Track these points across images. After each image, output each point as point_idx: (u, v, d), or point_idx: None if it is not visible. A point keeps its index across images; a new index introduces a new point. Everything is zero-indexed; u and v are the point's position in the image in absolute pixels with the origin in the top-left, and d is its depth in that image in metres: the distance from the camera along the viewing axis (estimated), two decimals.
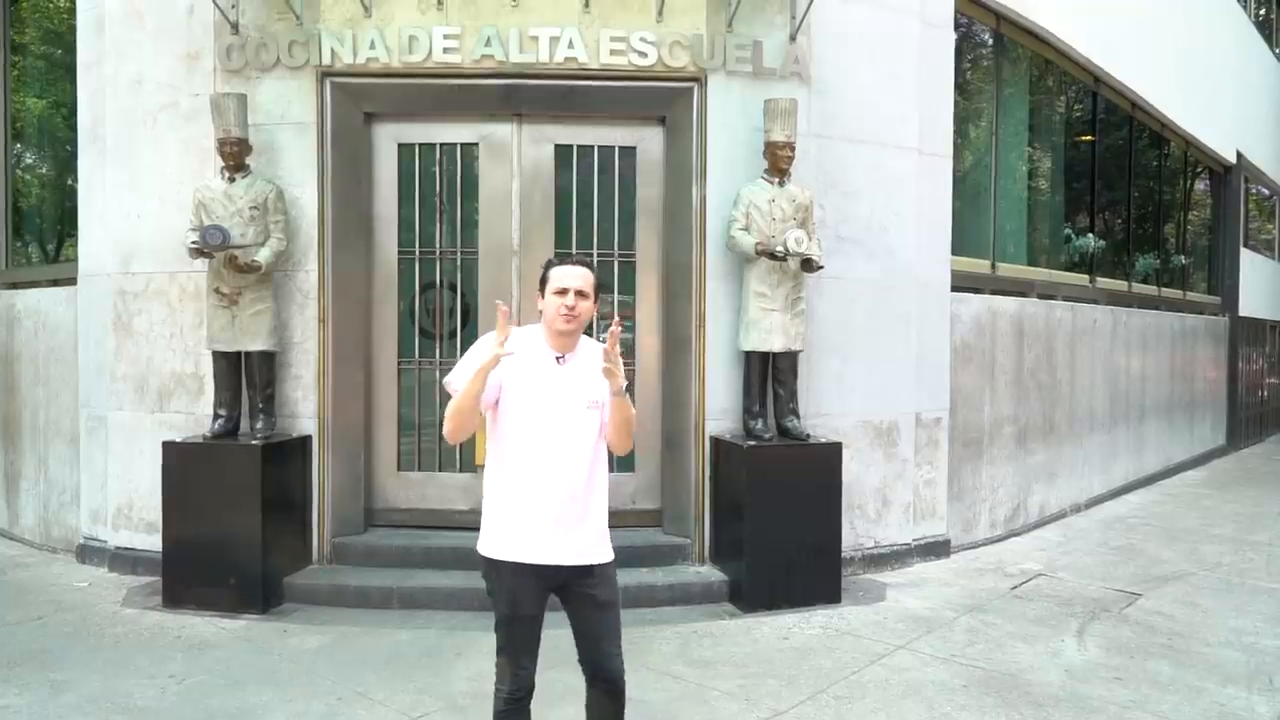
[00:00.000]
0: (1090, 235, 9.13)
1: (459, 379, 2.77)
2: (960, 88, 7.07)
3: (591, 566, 2.83)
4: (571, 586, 2.82)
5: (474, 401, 2.70)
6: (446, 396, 2.83)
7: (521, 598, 2.78)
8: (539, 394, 2.78)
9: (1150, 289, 10.65)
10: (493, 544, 2.81)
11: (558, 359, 2.83)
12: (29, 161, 7.96)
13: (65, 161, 6.33)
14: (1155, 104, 9.87)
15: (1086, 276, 9.02)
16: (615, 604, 2.91)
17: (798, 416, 5.54)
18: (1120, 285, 9.77)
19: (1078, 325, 8.35)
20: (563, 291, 2.77)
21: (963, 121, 7.20)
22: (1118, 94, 9.35)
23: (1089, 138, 9.26)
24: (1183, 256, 12.08)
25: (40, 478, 6.69)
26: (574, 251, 5.89)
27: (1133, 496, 9.10)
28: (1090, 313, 8.67)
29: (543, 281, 2.86)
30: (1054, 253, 8.90)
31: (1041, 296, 7.92)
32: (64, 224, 7.25)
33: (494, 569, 2.80)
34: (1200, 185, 13.03)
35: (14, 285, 7.24)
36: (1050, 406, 7.86)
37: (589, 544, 2.83)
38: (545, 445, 2.77)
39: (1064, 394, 8.09)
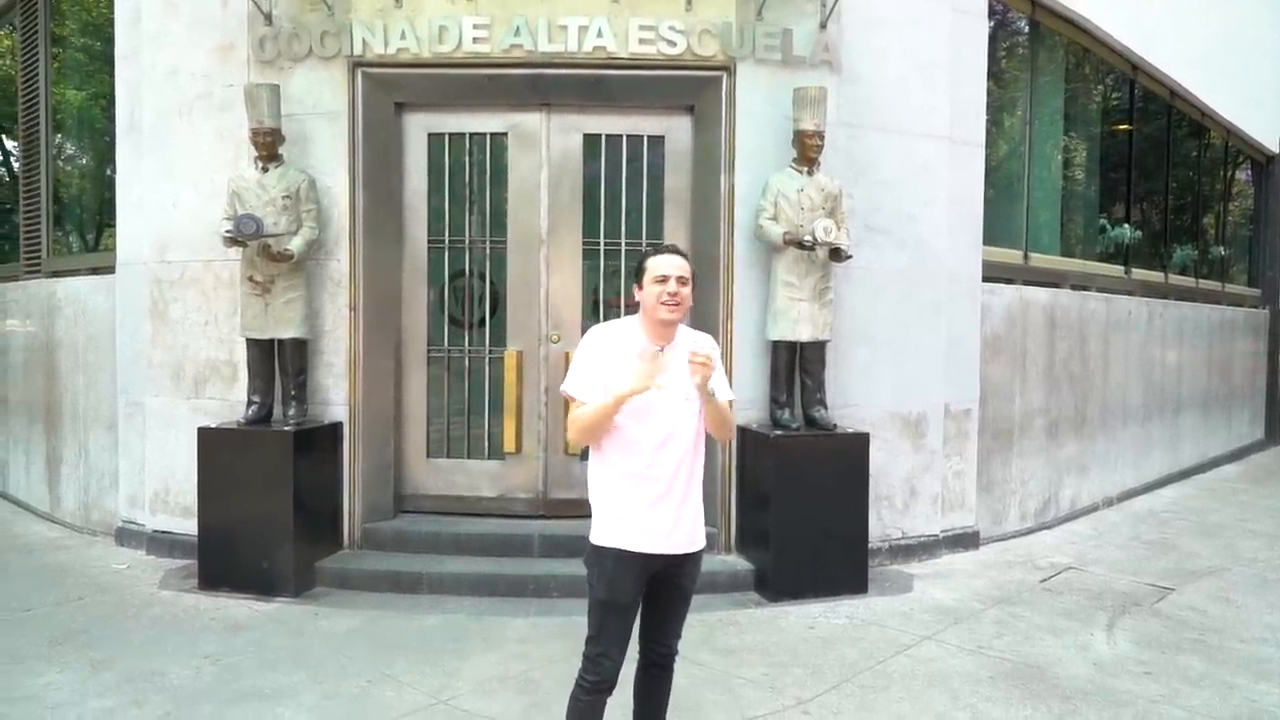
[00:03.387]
0: (1126, 226, 8.99)
1: (581, 388, 2.81)
2: (994, 76, 6.98)
3: (689, 554, 2.89)
4: (664, 573, 2.86)
5: (609, 422, 2.77)
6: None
7: (621, 585, 2.82)
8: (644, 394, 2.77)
9: (1188, 280, 10.46)
10: (605, 533, 2.85)
11: (656, 351, 2.79)
12: (70, 153, 8.12)
13: (105, 152, 6.45)
14: (1194, 92, 9.67)
15: (1121, 267, 8.89)
16: (690, 596, 2.99)
17: (825, 407, 5.52)
18: (1156, 276, 9.61)
19: (1112, 317, 8.23)
20: (663, 279, 2.79)
21: (996, 110, 7.11)
22: (1156, 82, 9.17)
23: (1126, 126, 9.09)
24: (1222, 248, 11.85)
25: (80, 462, 6.84)
26: (602, 240, 5.91)
27: (1167, 491, 8.96)
28: (1125, 304, 8.54)
29: (639, 272, 2.88)
30: (1089, 243, 8.77)
31: (1075, 287, 7.81)
32: (104, 214, 7.39)
33: (598, 555, 2.85)
34: (1241, 175, 12.76)
35: (55, 274, 7.39)
36: (1082, 399, 7.76)
37: (690, 532, 2.89)
38: (648, 439, 2.80)
39: (1097, 386, 7.98)
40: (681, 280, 2.80)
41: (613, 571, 2.82)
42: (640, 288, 2.86)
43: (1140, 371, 8.80)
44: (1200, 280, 10.81)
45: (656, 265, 2.83)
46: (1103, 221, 8.94)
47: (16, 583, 5.46)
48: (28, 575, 5.62)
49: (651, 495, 2.80)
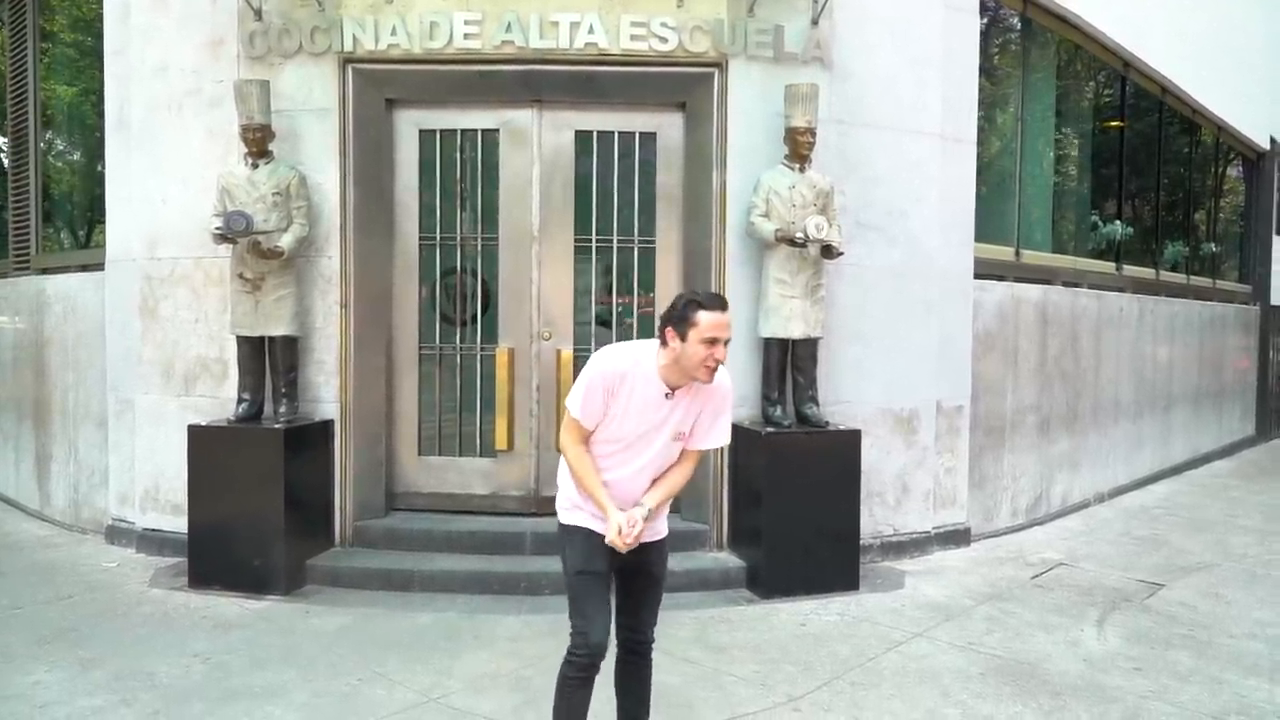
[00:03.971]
0: (1117, 222, 9.02)
1: (583, 414, 2.82)
2: (986, 72, 6.98)
3: (649, 544, 2.96)
4: (630, 559, 2.93)
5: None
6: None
7: (593, 552, 2.90)
8: (640, 425, 2.83)
9: (1178, 277, 10.49)
10: (571, 514, 2.97)
11: (667, 395, 2.81)
12: (60, 149, 8.07)
13: (95, 148, 6.42)
14: (1186, 89, 9.69)
15: (1113, 264, 8.91)
16: (663, 580, 3.10)
17: (817, 404, 5.52)
18: (1148, 273, 9.64)
19: (1103, 313, 8.25)
20: (713, 342, 2.68)
21: (988, 107, 7.12)
22: (1147, 78, 9.19)
23: (1117, 123, 9.11)
24: (1212, 244, 11.89)
25: (70, 460, 6.81)
26: (594, 238, 5.90)
27: (1158, 487, 9.00)
28: (1116, 301, 8.57)
29: (684, 320, 2.70)
30: (1080, 240, 8.79)
31: (1066, 284, 7.82)
32: (95, 210, 7.34)
33: (566, 531, 2.96)
34: (1232, 172, 12.80)
35: (44, 271, 7.36)
36: (1074, 395, 7.78)
37: (655, 528, 2.98)
38: (630, 464, 2.89)
39: (1088, 383, 8.00)
40: (727, 342, 2.72)
41: (583, 543, 2.92)
42: (679, 337, 2.70)
43: (1132, 368, 8.83)
44: (1191, 277, 10.84)
45: (710, 323, 2.67)
46: (1094, 218, 8.97)
47: (5, 581, 5.43)
48: (17, 573, 5.60)
49: (620, 497, 2.90)
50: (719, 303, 2.75)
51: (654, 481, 2.95)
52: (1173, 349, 9.83)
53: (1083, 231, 8.86)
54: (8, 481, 7.76)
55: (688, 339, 2.69)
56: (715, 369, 2.73)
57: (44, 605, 5.00)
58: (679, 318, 2.72)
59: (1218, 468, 10.48)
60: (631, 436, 2.85)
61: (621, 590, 3.03)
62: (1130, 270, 9.15)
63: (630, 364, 2.79)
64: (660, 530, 3.03)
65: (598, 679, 2.92)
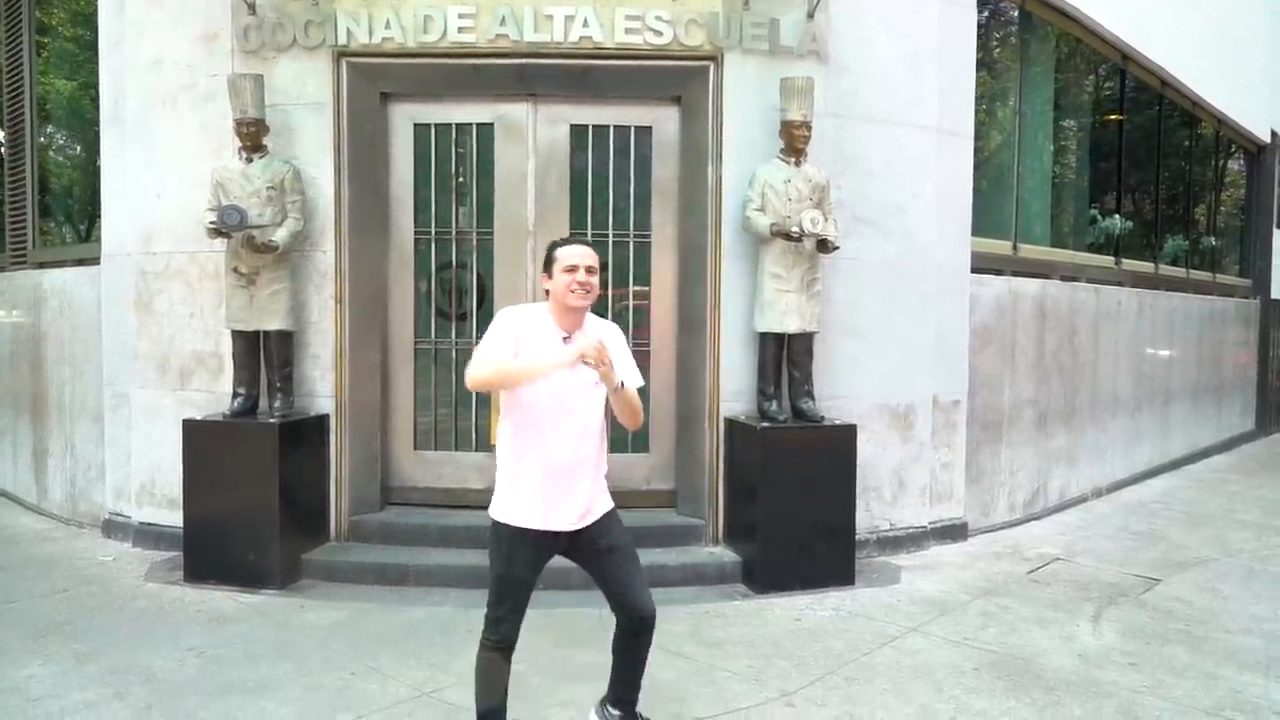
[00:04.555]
0: (1116, 216, 8.99)
1: (491, 349, 2.89)
2: (984, 66, 6.96)
3: (599, 520, 3.05)
4: (574, 546, 3.05)
5: (510, 382, 2.90)
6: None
7: (517, 560, 3.00)
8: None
9: (1178, 271, 10.47)
10: (500, 509, 3.02)
11: (564, 338, 2.95)
12: (60, 143, 8.06)
13: (92, 142, 6.42)
14: (1186, 82, 9.66)
15: (1112, 258, 8.88)
16: (626, 547, 3.11)
17: (812, 398, 5.51)
18: (1147, 267, 9.62)
19: (1102, 308, 8.23)
20: (573, 269, 2.92)
21: (986, 100, 7.10)
22: (1147, 71, 9.16)
23: (1117, 116, 9.08)
24: (1213, 238, 11.87)
25: (67, 454, 6.81)
26: (589, 232, 5.89)
27: (1156, 481, 8.99)
28: (1115, 295, 8.54)
29: (549, 261, 3.00)
30: (1079, 234, 8.77)
31: (1065, 279, 7.80)
32: (93, 204, 7.33)
33: (496, 531, 3.02)
34: (1233, 165, 12.76)
35: (41, 265, 7.35)
36: (1072, 390, 7.77)
37: (588, 506, 3.04)
38: (553, 422, 2.94)
39: (1086, 377, 7.99)
40: (590, 269, 2.94)
41: (508, 549, 3.00)
42: (549, 276, 2.98)
43: (1130, 362, 8.81)
44: (1191, 271, 10.82)
45: (567, 255, 2.95)
46: (1093, 212, 8.95)
47: (2, 574, 5.44)
48: (13, 567, 5.60)
49: (553, 478, 2.95)
50: (576, 240, 3.10)
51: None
52: (1172, 343, 9.81)
53: (1081, 226, 8.84)
54: (5, 475, 7.77)
55: (554, 275, 2.96)
56: (583, 292, 2.92)
57: (39, 599, 5.01)
58: (545, 262, 3.03)
59: (1217, 462, 10.47)
60: (554, 397, 2.91)
61: (600, 578, 3.09)
62: (1129, 264, 9.13)
63: (526, 313, 3.01)
64: (606, 503, 3.10)
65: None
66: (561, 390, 2.91)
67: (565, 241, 3.05)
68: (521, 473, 2.97)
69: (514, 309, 3.04)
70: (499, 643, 3.04)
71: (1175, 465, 9.73)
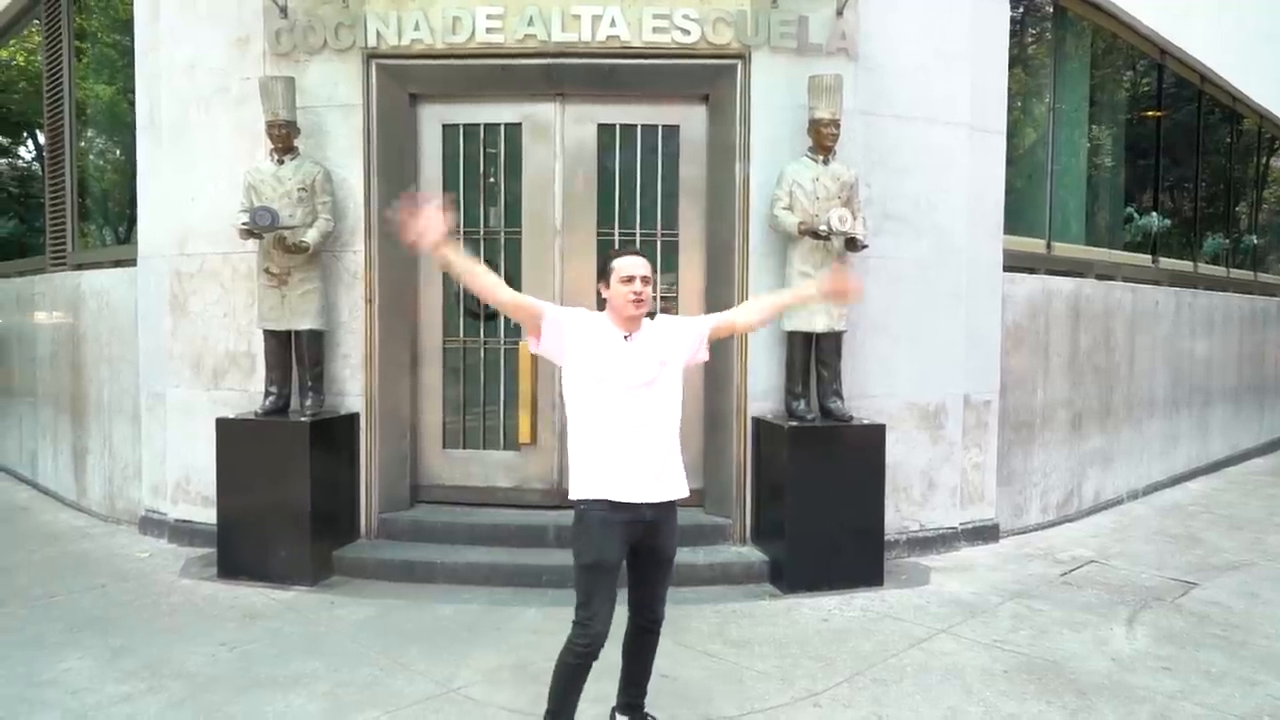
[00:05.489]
0: (1154, 214, 8.83)
1: (546, 307, 3.11)
2: (1018, 62, 6.87)
3: (671, 504, 3.15)
4: (644, 540, 3.11)
5: (478, 287, 3.07)
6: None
7: (608, 543, 3.05)
8: (613, 364, 3.07)
9: (1218, 270, 10.26)
10: (582, 486, 3.10)
11: (625, 337, 3.13)
12: (99, 147, 8.21)
13: (131, 146, 6.54)
14: (1226, 77, 9.46)
15: (1149, 257, 8.72)
16: (673, 560, 3.26)
17: (841, 398, 5.47)
18: (1185, 266, 9.43)
19: (1138, 307, 8.09)
20: (629, 279, 3.08)
21: (1020, 97, 7.01)
22: (1186, 67, 8.98)
23: (1154, 113, 8.92)
24: (1254, 236, 11.61)
25: (105, 452, 6.94)
26: (617, 231, 5.89)
27: (1194, 484, 8.81)
28: (1152, 294, 8.39)
29: (606, 271, 3.15)
30: (1115, 232, 8.62)
31: (1100, 277, 7.68)
32: (131, 207, 7.47)
33: (581, 516, 3.09)
34: (1276, 162, 12.47)
35: (80, 267, 7.50)
36: (1107, 390, 7.64)
37: (671, 483, 3.14)
38: (625, 408, 3.06)
39: (1122, 377, 7.85)
40: (645, 280, 3.09)
41: (598, 531, 3.04)
42: (607, 286, 3.13)
43: (1168, 362, 8.65)
44: (1231, 270, 10.59)
45: (623, 266, 3.10)
46: (1130, 210, 8.79)
47: (42, 570, 5.56)
48: (53, 562, 5.72)
49: (635, 458, 3.05)
50: (631, 251, 3.23)
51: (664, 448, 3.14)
52: (1211, 343, 9.62)
53: (1117, 224, 8.69)
54: (47, 473, 7.94)
55: (611, 284, 3.11)
56: (639, 302, 3.07)
57: (78, 594, 5.11)
58: (601, 271, 3.18)
59: (1258, 465, 10.25)
60: (616, 377, 3.05)
61: (633, 573, 3.22)
62: (1167, 263, 8.96)
63: (589, 315, 3.19)
64: (679, 490, 3.16)
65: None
66: (627, 378, 3.06)
67: (621, 252, 3.21)
68: (604, 458, 3.06)
69: (584, 310, 3.22)
70: (589, 645, 3.03)
71: (1214, 468, 9.54)
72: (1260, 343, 11.04)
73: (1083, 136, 8.08)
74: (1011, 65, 6.48)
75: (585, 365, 3.08)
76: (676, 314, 5.88)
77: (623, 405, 3.06)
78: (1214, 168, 10.48)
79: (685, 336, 3.23)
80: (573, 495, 3.13)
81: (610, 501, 3.03)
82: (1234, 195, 11.05)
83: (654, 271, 3.23)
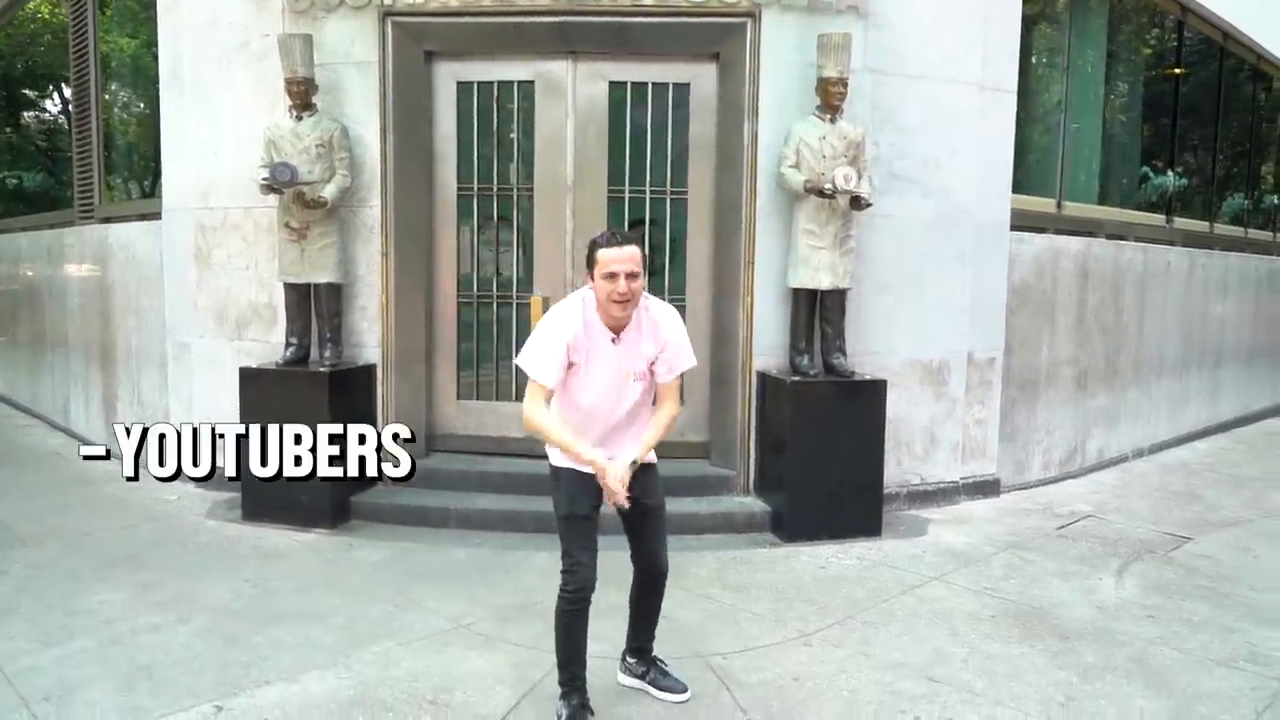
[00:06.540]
0: (1170, 174, 8.78)
1: (545, 373, 2.98)
2: (1032, 19, 6.83)
3: (639, 472, 3.10)
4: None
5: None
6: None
7: (578, 499, 3.10)
8: (595, 373, 3.06)
9: (1235, 230, 10.20)
10: (556, 455, 3.16)
11: (612, 340, 3.03)
12: (124, 100, 8.35)
13: (156, 100, 6.67)
14: (1250, 34, 9.32)
15: (1162, 217, 8.69)
16: (660, 509, 3.26)
17: (844, 354, 5.59)
18: (1201, 226, 9.38)
19: (1149, 267, 8.10)
20: (612, 276, 2.86)
21: (1034, 55, 6.98)
22: (1207, 24, 8.86)
23: (1174, 71, 8.83)
24: (1276, 197, 11.49)
25: (134, 400, 7.19)
26: (627, 188, 5.99)
27: (1201, 443, 8.87)
28: (1164, 254, 8.39)
29: (590, 262, 2.93)
30: (1129, 192, 8.60)
31: (1110, 237, 7.68)
32: (156, 161, 7.62)
33: (555, 474, 3.16)
34: None
35: (107, 220, 7.69)
36: (1114, 350, 7.69)
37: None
38: (599, 410, 3.13)
39: (1130, 337, 7.90)
40: (630, 276, 2.86)
41: (568, 486, 3.13)
42: (591, 277, 2.92)
43: (1179, 323, 8.67)
44: (1249, 230, 10.52)
45: (606, 260, 2.86)
46: (1145, 170, 8.75)
47: (78, 510, 5.83)
48: (88, 504, 5.99)
49: (594, 437, 3.13)
50: (617, 240, 2.93)
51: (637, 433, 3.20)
52: (1225, 304, 9.61)
53: (1131, 183, 8.66)
54: (79, 420, 8.22)
55: (595, 278, 2.91)
56: (623, 301, 2.89)
57: (111, 533, 5.37)
58: (586, 260, 2.96)
59: (1270, 426, 10.27)
60: (598, 392, 3.08)
61: (627, 528, 3.26)
62: (1181, 223, 8.93)
63: (580, 322, 2.98)
64: (649, 456, 3.19)
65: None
66: (604, 389, 3.09)
67: (606, 242, 2.93)
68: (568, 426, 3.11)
69: (565, 309, 3.02)
70: (578, 590, 3.06)
71: (1224, 428, 9.57)
72: (1276, 303, 10.99)
73: (1098, 95, 8.03)
74: (1028, 23, 6.46)
75: (581, 369, 3.05)
76: (685, 268, 6.03)
77: (599, 397, 3.10)
78: (1236, 127, 10.36)
79: (659, 352, 3.08)
80: (549, 460, 3.21)
81: (575, 470, 3.10)
82: (1256, 155, 10.92)
83: (643, 255, 2.96)
